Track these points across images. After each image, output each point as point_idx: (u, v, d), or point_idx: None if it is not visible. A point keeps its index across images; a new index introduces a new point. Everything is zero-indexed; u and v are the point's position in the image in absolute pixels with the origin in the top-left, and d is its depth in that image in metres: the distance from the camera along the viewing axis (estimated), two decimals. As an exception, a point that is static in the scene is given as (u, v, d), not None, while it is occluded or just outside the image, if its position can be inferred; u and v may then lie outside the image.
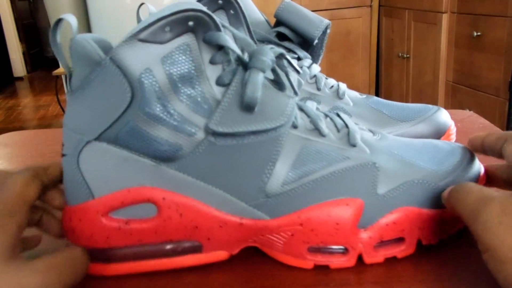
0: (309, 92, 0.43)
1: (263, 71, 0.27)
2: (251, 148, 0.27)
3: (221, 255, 0.30)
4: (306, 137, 0.29)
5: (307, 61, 0.44)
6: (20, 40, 4.70)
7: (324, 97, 0.43)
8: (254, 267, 0.30)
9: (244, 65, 0.28)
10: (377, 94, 2.67)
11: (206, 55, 0.27)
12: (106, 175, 0.27)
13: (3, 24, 4.42)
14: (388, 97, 2.52)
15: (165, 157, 0.27)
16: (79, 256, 0.27)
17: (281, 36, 0.45)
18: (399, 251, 0.30)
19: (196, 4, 0.26)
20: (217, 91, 0.27)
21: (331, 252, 0.29)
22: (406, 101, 2.32)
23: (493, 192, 0.25)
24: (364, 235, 0.29)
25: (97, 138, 0.27)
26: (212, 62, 0.27)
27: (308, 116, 0.30)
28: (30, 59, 4.82)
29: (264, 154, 0.27)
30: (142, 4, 0.34)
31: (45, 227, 0.30)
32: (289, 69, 0.29)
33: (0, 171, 0.31)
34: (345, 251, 0.29)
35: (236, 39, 0.29)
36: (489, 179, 0.33)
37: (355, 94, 0.45)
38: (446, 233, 0.31)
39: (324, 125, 0.30)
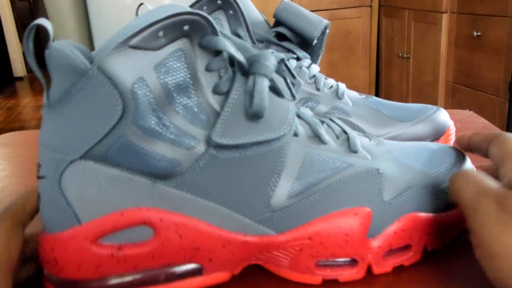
0: (308, 92, 0.43)
1: (268, 77, 0.26)
2: (255, 160, 0.26)
3: (222, 276, 0.28)
4: (308, 145, 0.28)
5: (306, 61, 0.44)
6: (20, 40, 4.70)
7: (323, 97, 0.43)
8: (258, 286, 0.29)
9: (244, 72, 0.26)
10: (377, 94, 2.67)
11: (201, 61, 0.25)
12: (94, 197, 0.24)
13: (3, 24, 4.41)
14: (388, 97, 2.52)
15: (162, 174, 0.25)
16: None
17: (280, 36, 0.45)
18: (406, 258, 0.29)
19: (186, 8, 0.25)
20: (214, 100, 0.25)
21: (340, 265, 0.28)
22: (406, 101, 2.32)
23: (492, 184, 0.25)
24: (373, 245, 0.28)
25: (83, 157, 0.24)
26: (208, 69, 0.25)
27: (307, 122, 0.29)
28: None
29: (269, 166, 0.26)
30: (141, 4, 0.34)
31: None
32: (287, 75, 0.29)
33: None
34: (354, 263, 0.28)
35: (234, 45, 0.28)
36: None
37: (354, 94, 0.45)
38: (449, 237, 0.30)
39: (323, 131, 0.29)
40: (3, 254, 0.24)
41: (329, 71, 2.50)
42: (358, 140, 0.30)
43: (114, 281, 0.26)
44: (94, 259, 0.25)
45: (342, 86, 0.45)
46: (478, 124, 0.56)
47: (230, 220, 0.26)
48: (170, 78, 0.24)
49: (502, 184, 0.25)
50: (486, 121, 0.57)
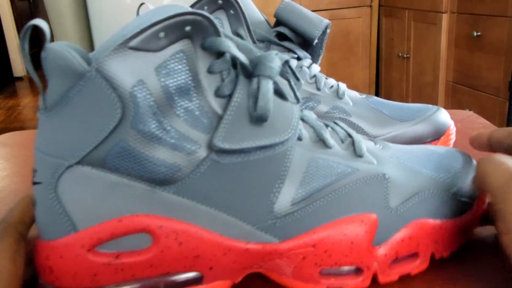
0: (308, 92, 0.43)
1: (272, 79, 0.25)
2: (258, 165, 0.25)
3: (223, 285, 0.27)
4: (313, 150, 0.27)
5: (307, 61, 0.44)
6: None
7: (323, 97, 0.43)
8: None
9: (248, 74, 0.25)
10: (377, 94, 2.67)
11: (203, 63, 0.24)
12: (92, 204, 0.24)
13: (3, 24, 4.41)
14: (388, 97, 2.53)
15: (162, 179, 0.24)
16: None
17: (281, 36, 0.45)
18: (413, 267, 0.28)
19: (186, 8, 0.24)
20: (216, 103, 0.24)
21: (345, 274, 0.27)
22: (406, 101, 2.32)
23: None
24: (380, 253, 0.27)
25: (80, 162, 0.23)
26: (210, 71, 0.24)
27: (311, 126, 0.28)
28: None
29: (272, 171, 0.25)
30: (142, 4, 0.34)
31: None
32: (291, 77, 0.28)
33: None
34: (360, 271, 0.27)
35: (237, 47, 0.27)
36: None
37: (354, 94, 0.45)
38: (457, 244, 0.30)
39: (328, 135, 0.28)
40: (9, 270, 0.23)
41: (329, 71, 2.50)
42: (364, 144, 0.29)
43: None
44: (90, 268, 0.24)
45: (343, 86, 0.45)
46: (478, 124, 0.56)
47: (232, 227, 0.25)
48: (171, 81, 0.23)
49: None
50: (486, 121, 0.57)
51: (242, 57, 0.25)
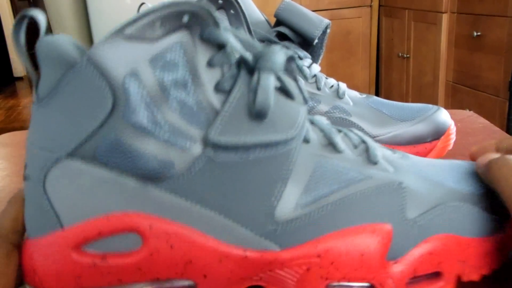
0: (309, 92, 0.43)
1: (275, 73, 0.24)
2: (257, 164, 0.23)
3: None
4: (321, 154, 0.25)
5: (307, 61, 0.44)
6: (20, 40, 4.69)
7: (324, 96, 0.43)
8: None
9: (249, 68, 0.24)
10: (377, 94, 2.67)
11: (203, 56, 0.23)
12: (79, 199, 0.22)
13: (3, 24, 4.41)
14: (388, 97, 2.53)
15: (154, 175, 0.22)
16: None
17: (281, 36, 0.45)
18: None
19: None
20: (216, 98, 0.23)
21: None
22: (406, 101, 2.32)
23: None
24: (395, 269, 0.24)
25: (69, 155, 0.22)
26: (210, 64, 0.23)
27: (321, 130, 0.26)
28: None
29: (273, 172, 0.23)
30: (142, 4, 0.34)
31: None
32: (298, 76, 0.26)
33: None
34: None
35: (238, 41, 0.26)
36: None
37: (355, 93, 0.45)
38: (489, 267, 0.26)
39: (339, 139, 0.26)
40: (1, 280, 0.22)
41: (329, 71, 2.50)
42: (379, 151, 0.26)
43: None
44: (74, 269, 0.22)
45: (343, 85, 0.45)
46: (478, 124, 0.56)
47: (228, 231, 0.23)
48: (166, 73, 0.22)
49: None
50: (486, 121, 0.57)
51: (242, 50, 0.24)
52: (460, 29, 1.87)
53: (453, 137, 0.45)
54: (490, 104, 1.72)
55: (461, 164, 0.29)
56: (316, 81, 0.44)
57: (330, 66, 2.52)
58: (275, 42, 0.44)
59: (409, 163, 0.27)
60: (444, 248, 0.24)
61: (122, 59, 0.21)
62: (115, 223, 0.22)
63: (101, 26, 1.98)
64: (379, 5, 2.53)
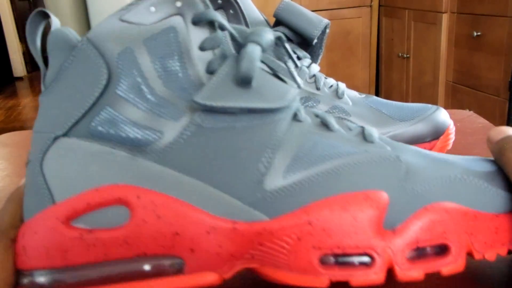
0: (308, 92, 0.43)
1: (261, 46, 0.24)
2: (245, 132, 0.23)
3: (209, 277, 0.23)
4: (314, 131, 0.25)
5: (307, 60, 0.45)
6: (20, 40, 4.70)
7: (323, 96, 0.43)
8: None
9: (239, 47, 0.25)
10: (377, 94, 2.67)
11: (195, 40, 0.24)
12: (71, 175, 0.23)
13: (3, 24, 4.42)
14: (388, 97, 2.53)
15: (143, 146, 0.23)
16: None
17: (281, 36, 0.45)
18: (443, 264, 0.22)
19: None
20: (206, 78, 0.24)
21: (352, 264, 0.22)
22: (406, 101, 2.32)
23: None
24: (394, 238, 0.22)
25: (67, 134, 0.23)
26: (202, 48, 0.24)
27: (316, 115, 0.26)
28: (30, 59, 4.82)
29: (261, 140, 0.23)
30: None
31: None
32: (288, 60, 0.27)
33: None
34: (370, 261, 0.22)
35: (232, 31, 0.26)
36: None
37: (354, 93, 0.45)
38: (505, 246, 0.23)
39: (333, 121, 0.25)
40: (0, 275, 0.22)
41: (329, 71, 2.50)
42: (376, 133, 0.26)
43: (80, 273, 0.23)
44: (62, 243, 0.22)
45: (342, 85, 0.45)
46: (478, 124, 0.56)
47: (217, 201, 0.23)
48: (159, 54, 0.24)
49: None
50: (486, 121, 0.58)
51: (231, 28, 0.25)
52: (460, 29, 1.87)
53: (452, 137, 0.45)
54: (490, 104, 1.72)
55: (465, 156, 0.28)
56: (315, 81, 0.44)
57: (330, 66, 2.52)
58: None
59: (408, 146, 0.26)
60: (448, 216, 0.23)
61: (118, 38, 0.23)
62: (104, 194, 0.22)
63: (101, 26, 1.98)
64: (379, 5, 2.53)
